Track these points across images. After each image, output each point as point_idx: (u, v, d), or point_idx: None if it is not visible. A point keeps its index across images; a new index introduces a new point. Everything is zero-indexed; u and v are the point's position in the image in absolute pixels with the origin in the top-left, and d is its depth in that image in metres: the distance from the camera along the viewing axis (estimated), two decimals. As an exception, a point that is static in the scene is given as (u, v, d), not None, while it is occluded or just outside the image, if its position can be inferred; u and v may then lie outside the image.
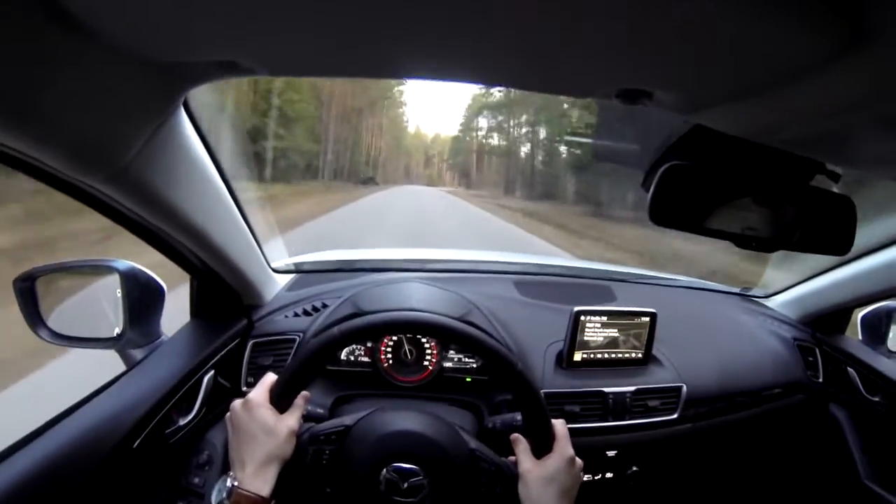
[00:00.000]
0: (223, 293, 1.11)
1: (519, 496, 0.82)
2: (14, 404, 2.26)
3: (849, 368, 1.44)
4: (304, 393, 0.84)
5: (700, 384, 1.25)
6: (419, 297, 1.20)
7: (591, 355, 1.23)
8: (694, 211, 0.63)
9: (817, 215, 0.66)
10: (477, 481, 0.84)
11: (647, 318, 1.24)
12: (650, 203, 0.61)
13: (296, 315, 1.22)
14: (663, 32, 0.38)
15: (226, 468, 0.96)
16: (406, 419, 0.86)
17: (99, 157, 0.59)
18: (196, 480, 1.00)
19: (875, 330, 1.48)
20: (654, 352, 1.28)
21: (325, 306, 1.24)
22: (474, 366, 1.20)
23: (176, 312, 1.11)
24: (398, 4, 0.38)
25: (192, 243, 0.88)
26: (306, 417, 0.87)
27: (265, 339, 1.16)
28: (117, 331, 0.98)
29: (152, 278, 1.00)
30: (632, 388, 1.19)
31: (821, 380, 1.47)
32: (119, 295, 0.97)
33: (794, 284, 1.59)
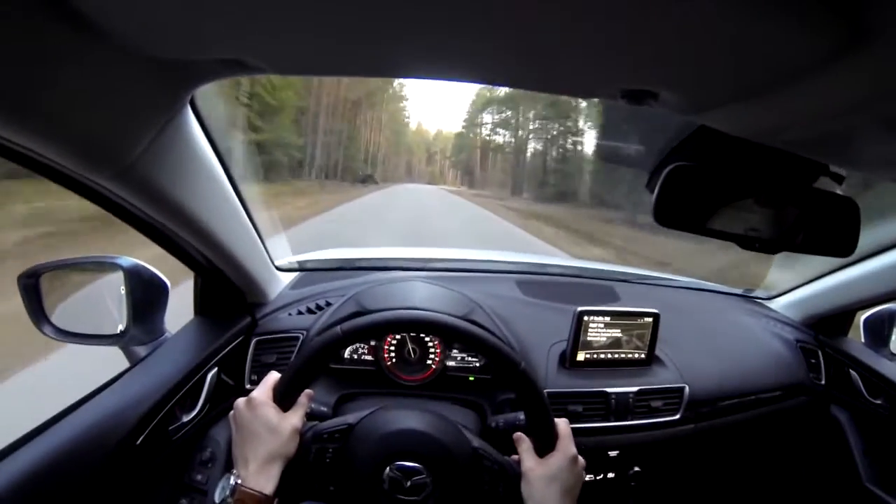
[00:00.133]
0: (227, 291, 1.11)
1: (522, 495, 0.82)
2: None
3: (851, 371, 1.43)
4: (307, 391, 0.85)
5: (702, 385, 1.25)
6: (422, 296, 1.21)
7: (594, 355, 1.23)
8: (698, 212, 0.63)
9: (821, 217, 0.66)
10: (480, 480, 0.84)
11: (650, 319, 1.24)
12: (655, 204, 0.61)
13: (299, 313, 1.22)
14: (664, 32, 0.38)
15: (229, 465, 0.96)
16: (409, 418, 0.87)
17: (106, 155, 0.60)
18: (199, 477, 1.00)
19: (878, 332, 1.48)
20: (657, 352, 1.27)
21: (328, 304, 1.24)
22: (477, 365, 1.21)
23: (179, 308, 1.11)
24: (401, 4, 0.39)
25: (197, 241, 0.88)
26: (310, 416, 0.87)
27: (269, 336, 1.16)
28: (121, 327, 0.98)
29: (156, 275, 1.01)
30: (634, 389, 1.19)
31: (823, 382, 1.47)
32: (123, 292, 0.98)
33: (797, 286, 1.59)
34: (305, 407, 0.84)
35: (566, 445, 0.86)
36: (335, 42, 0.47)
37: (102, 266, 1.03)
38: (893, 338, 1.45)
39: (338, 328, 0.83)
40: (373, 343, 1.19)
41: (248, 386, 1.13)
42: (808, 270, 1.53)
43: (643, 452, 1.23)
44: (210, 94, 0.70)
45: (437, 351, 1.19)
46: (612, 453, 1.19)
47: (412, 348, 1.19)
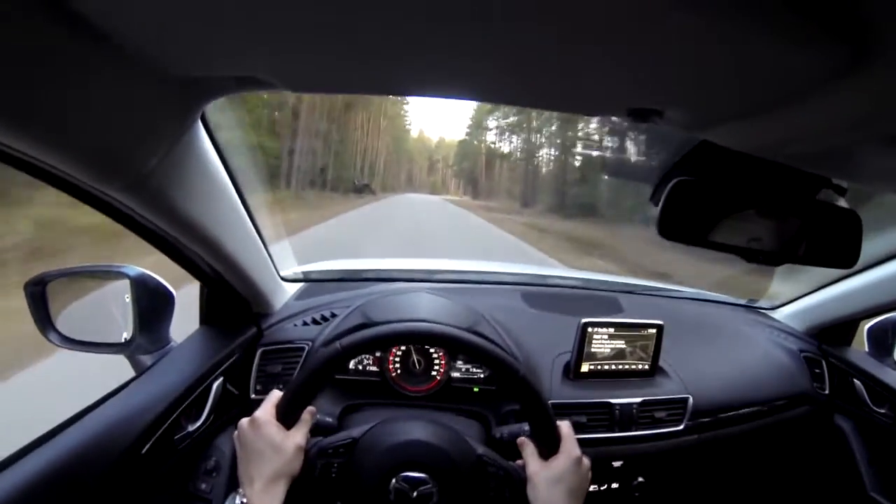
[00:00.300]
0: (233, 301, 1.11)
1: (528, 498, 0.82)
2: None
3: (855, 380, 1.43)
4: (310, 408, 0.85)
5: (706, 396, 1.25)
6: (428, 308, 1.21)
7: (599, 366, 1.23)
8: (702, 225, 0.64)
9: (823, 229, 0.67)
10: (486, 486, 0.84)
11: (654, 330, 1.24)
12: (659, 217, 0.62)
13: (304, 324, 1.23)
14: (667, 53, 0.39)
15: (233, 474, 0.96)
16: (412, 428, 0.87)
17: (118, 167, 0.60)
18: (203, 486, 1.00)
19: (882, 342, 1.47)
20: (661, 363, 1.27)
21: (333, 316, 1.24)
22: (482, 376, 1.21)
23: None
24: (413, 27, 0.40)
25: (205, 252, 0.89)
26: (315, 427, 0.87)
27: (274, 347, 1.17)
28: (126, 336, 0.98)
29: (162, 284, 1.01)
30: (638, 400, 1.19)
31: (827, 391, 1.47)
32: (129, 300, 0.99)
33: (801, 296, 1.59)
34: (309, 424, 0.84)
35: (570, 447, 0.86)
36: (348, 60, 0.48)
37: (109, 274, 1.04)
38: (898, 347, 1.45)
39: (337, 344, 0.83)
40: (378, 354, 1.19)
41: (252, 396, 1.13)
42: (812, 280, 1.53)
43: (647, 463, 1.22)
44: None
45: (442, 362, 1.19)
46: (616, 464, 1.18)
47: (417, 359, 1.19)
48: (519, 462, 0.88)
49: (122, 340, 0.99)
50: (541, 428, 0.87)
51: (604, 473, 1.19)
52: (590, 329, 1.21)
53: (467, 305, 1.25)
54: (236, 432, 0.83)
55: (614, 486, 1.21)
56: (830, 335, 1.53)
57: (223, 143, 0.80)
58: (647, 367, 1.26)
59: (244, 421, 0.82)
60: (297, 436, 0.81)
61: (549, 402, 1.02)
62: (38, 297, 0.93)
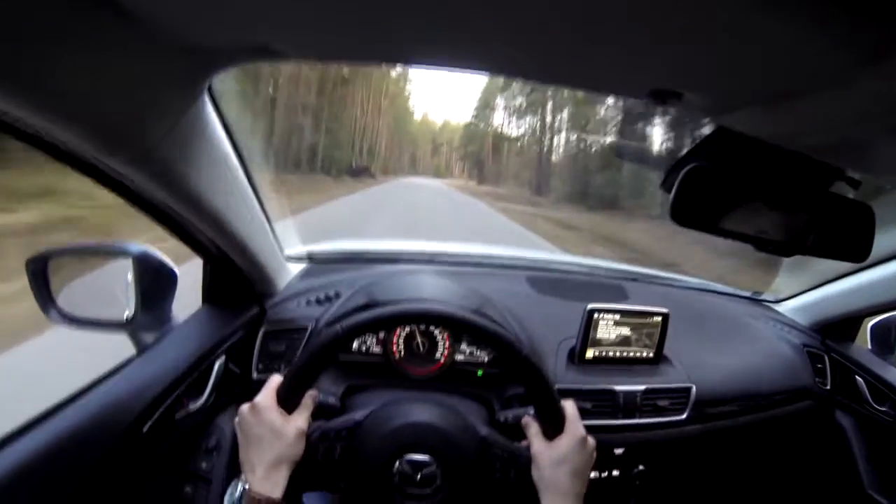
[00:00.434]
0: (236, 280, 1.11)
1: (533, 479, 0.82)
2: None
3: (857, 377, 1.43)
4: (311, 392, 0.84)
5: (709, 386, 1.25)
6: (433, 289, 1.20)
7: (603, 353, 1.23)
8: (714, 212, 0.63)
9: (835, 221, 0.66)
10: (490, 468, 0.84)
11: (660, 318, 1.24)
12: (672, 203, 0.61)
13: (308, 304, 1.22)
14: (693, 35, 0.38)
15: (234, 453, 0.96)
16: (416, 411, 0.87)
17: (124, 139, 0.59)
18: (203, 465, 1.00)
19: (885, 339, 1.47)
20: (665, 352, 1.27)
21: (337, 296, 1.24)
22: (486, 359, 1.20)
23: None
24: None
25: (210, 228, 0.88)
26: (318, 408, 0.87)
27: (277, 327, 1.16)
28: (128, 314, 0.98)
29: (164, 263, 1.00)
30: (642, 388, 1.19)
31: (828, 387, 1.47)
32: (131, 279, 0.98)
33: (806, 290, 1.58)
34: (310, 408, 0.83)
35: (574, 426, 0.85)
36: (367, 26, 0.47)
37: (111, 252, 1.03)
38: (900, 345, 1.45)
39: (338, 327, 0.82)
40: (381, 335, 1.18)
41: (255, 375, 1.13)
42: (817, 275, 1.52)
43: (648, 451, 1.23)
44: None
45: (447, 345, 1.18)
46: (618, 451, 1.19)
47: (421, 341, 1.18)
48: (524, 443, 0.88)
49: (124, 318, 0.98)
50: (545, 408, 0.86)
51: (605, 460, 1.19)
52: (596, 315, 1.21)
53: (472, 288, 1.25)
54: (237, 418, 0.82)
55: (615, 473, 1.22)
56: (834, 331, 1.53)
57: (230, 118, 0.78)
58: (651, 354, 1.26)
59: (245, 406, 0.81)
60: (299, 420, 0.80)
61: (555, 386, 1.02)
62: (40, 273, 0.92)
